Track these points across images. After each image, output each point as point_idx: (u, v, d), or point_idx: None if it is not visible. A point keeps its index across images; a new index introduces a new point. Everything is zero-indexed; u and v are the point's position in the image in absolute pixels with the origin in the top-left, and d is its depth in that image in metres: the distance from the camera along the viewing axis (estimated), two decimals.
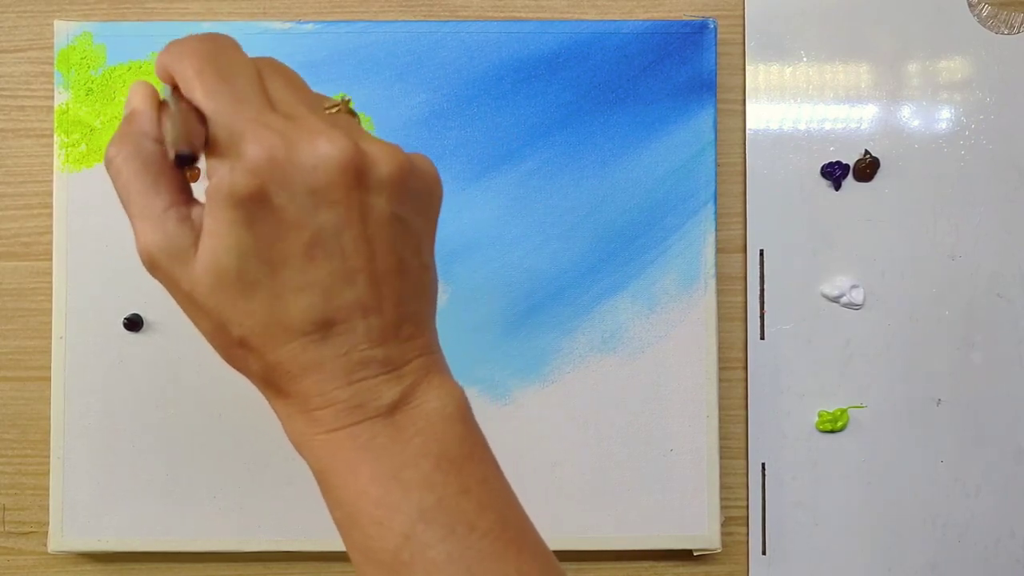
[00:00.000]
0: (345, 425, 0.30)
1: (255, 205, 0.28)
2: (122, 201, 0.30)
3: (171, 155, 0.28)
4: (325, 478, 0.31)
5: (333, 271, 0.29)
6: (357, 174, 0.29)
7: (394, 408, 0.30)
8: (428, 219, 0.32)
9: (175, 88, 0.30)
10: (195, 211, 0.30)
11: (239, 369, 0.31)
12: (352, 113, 0.32)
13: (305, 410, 0.30)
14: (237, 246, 0.29)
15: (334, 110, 0.31)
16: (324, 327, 0.29)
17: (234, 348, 0.30)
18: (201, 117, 0.29)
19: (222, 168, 0.28)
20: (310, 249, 0.29)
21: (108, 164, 0.30)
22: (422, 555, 0.29)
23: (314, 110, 0.30)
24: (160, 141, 0.30)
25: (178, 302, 0.31)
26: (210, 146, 0.29)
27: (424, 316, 0.32)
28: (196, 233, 0.29)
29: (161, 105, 0.31)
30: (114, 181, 0.30)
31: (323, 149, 0.28)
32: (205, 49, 0.30)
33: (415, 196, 0.31)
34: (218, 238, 0.29)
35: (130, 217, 0.30)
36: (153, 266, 0.30)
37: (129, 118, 0.31)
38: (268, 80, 0.30)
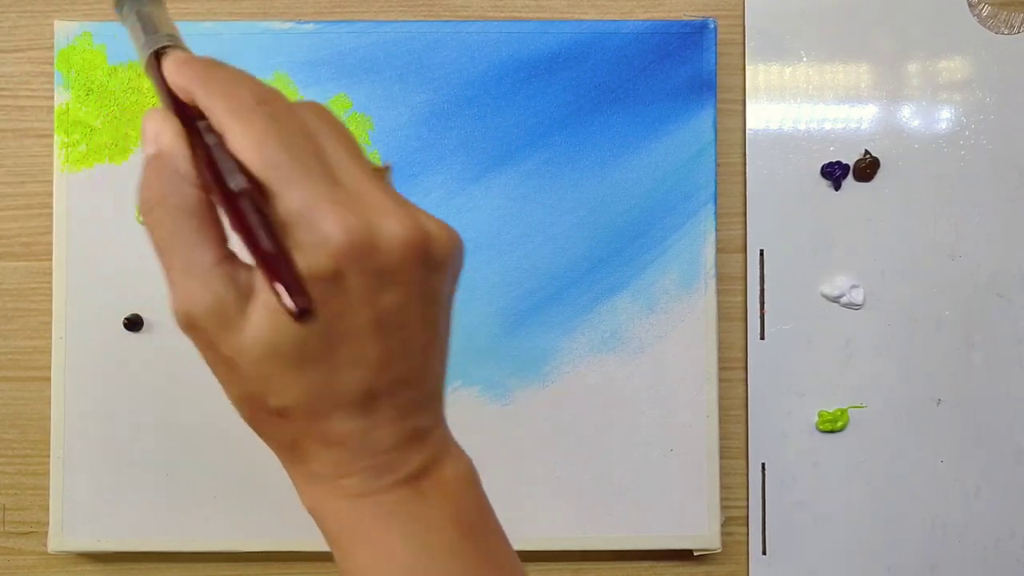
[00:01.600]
0: (372, 492, 0.30)
1: (328, 285, 0.27)
2: (159, 253, 0.28)
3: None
4: (344, 541, 0.31)
5: (389, 347, 0.29)
6: (422, 254, 0.28)
7: (419, 476, 0.30)
8: (455, 291, 0.32)
9: (203, 122, 0.28)
10: (241, 272, 0.28)
11: (260, 432, 0.31)
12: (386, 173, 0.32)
13: (332, 476, 0.30)
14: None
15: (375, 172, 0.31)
16: (369, 400, 0.29)
17: (264, 414, 0.30)
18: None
19: (303, 245, 0.27)
20: (372, 326, 0.28)
21: (146, 213, 0.28)
22: None
23: (375, 179, 0.29)
24: (199, 187, 0.28)
25: (208, 361, 0.30)
26: (286, 218, 0.27)
27: (443, 386, 0.32)
28: (243, 295, 0.28)
29: (190, 140, 0.28)
30: (152, 232, 0.28)
31: (397, 230, 0.27)
32: (264, 111, 0.27)
33: (457, 270, 0.31)
34: (282, 313, 0.27)
35: (168, 271, 0.28)
36: (190, 325, 0.28)
37: (159, 160, 0.28)
38: (322, 138, 0.29)
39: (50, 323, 0.51)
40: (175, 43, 0.35)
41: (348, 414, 0.29)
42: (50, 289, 0.51)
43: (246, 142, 0.27)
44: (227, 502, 0.51)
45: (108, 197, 0.51)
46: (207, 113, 0.28)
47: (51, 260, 0.51)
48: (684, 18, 0.53)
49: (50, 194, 0.52)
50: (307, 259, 0.26)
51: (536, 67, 0.52)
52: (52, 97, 0.51)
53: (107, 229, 0.51)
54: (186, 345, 0.53)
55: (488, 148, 0.52)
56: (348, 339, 0.28)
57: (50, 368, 0.51)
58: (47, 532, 0.51)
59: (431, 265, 0.29)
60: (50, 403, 0.51)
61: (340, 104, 0.51)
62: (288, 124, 0.28)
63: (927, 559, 0.53)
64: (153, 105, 0.51)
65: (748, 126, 0.53)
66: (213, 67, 0.29)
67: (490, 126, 0.52)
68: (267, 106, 0.27)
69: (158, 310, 0.51)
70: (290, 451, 0.30)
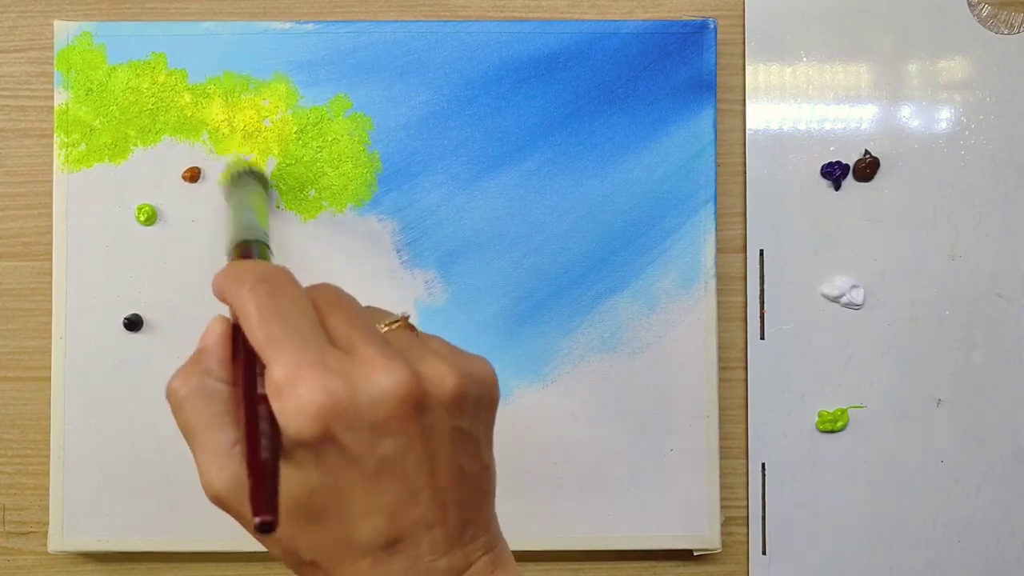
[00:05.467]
0: None
1: (321, 446, 0.29)
2: (183, 434, 0.32)
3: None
4: None
5: (397, 493, 0.30)
6: (416, 402, 0.29)
7: None
8: (486, 422, 0.32)
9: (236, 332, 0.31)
10: None
11: None
12: (411, 328, 0.33)
13: None
14: (306, 484, 0.29)
15: (394, 326, 0.32)
16: (390, 545, 0.30)
17: (304, 567, 0.31)
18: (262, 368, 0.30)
19: (287, 413, 0.28)
20: (375, 476, 0.29)
21: (170, 395, 0.32)
22: None
23: (370, 338, 0.30)
24: (226, 381, 0.31)
25: (247, 530, 0.31)
26: (273, 389, 0.29)
27: (485, 514, 0.33)
28: None
29: (234, 341, 0.32)
30: (175, 413, 0.32)
31: (382, 383, 0.29)
32: (263, 289, 0.30)
33: (474, 405, 0.31)
34: (286, 479, 0.29)
35: (192, 450, 0.31)
36: (218, 501, 0.31)
37: (199, 354, 0.32)
38: (326, 315, 0.31)
39: (50, 323, 0.51)
40: (254, 238, 0.40)
41: (372, 561, 0.30)
42: (50, 289, 0.51)
43: (250, 320, 0.30)
44: None
45: (108, 197, 0.51)
46: (230, 306, 0.31)
47: (51, 260, 0.51)
48: (684, 18, 0.53)
49: (50, 194, 0.52)
50: (293, 424, 0.28)
51: (536, 67, 0.52)
52: (52, 97, 0.51)
53: (107, 229, 0.51)
54: (187, 345, 0.53)
55: (488, 148, 0.52)
56: (355, 491, 0.29)
57: (50, 368, 0.51)
58: (47, 532, 0.51)
59: (430, 407, 0.30)
60: (50, 403, 0.51)
61: (340, 104, 0.51)
62: (287, 298, 0.30)
63: (927, 559, 0.53)
64: (153, 107, 0.51)
65: (748, 126, 0.53)
66: (231, 264, 0.33)
67: (490, 126, 0.52)
68: (267, 284, 0.30)
69: (158, 310, 0.51)
70: None
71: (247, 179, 0.49)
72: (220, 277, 0.32)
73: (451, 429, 0.30)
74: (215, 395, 0.31)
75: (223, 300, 0.32)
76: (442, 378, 0.30)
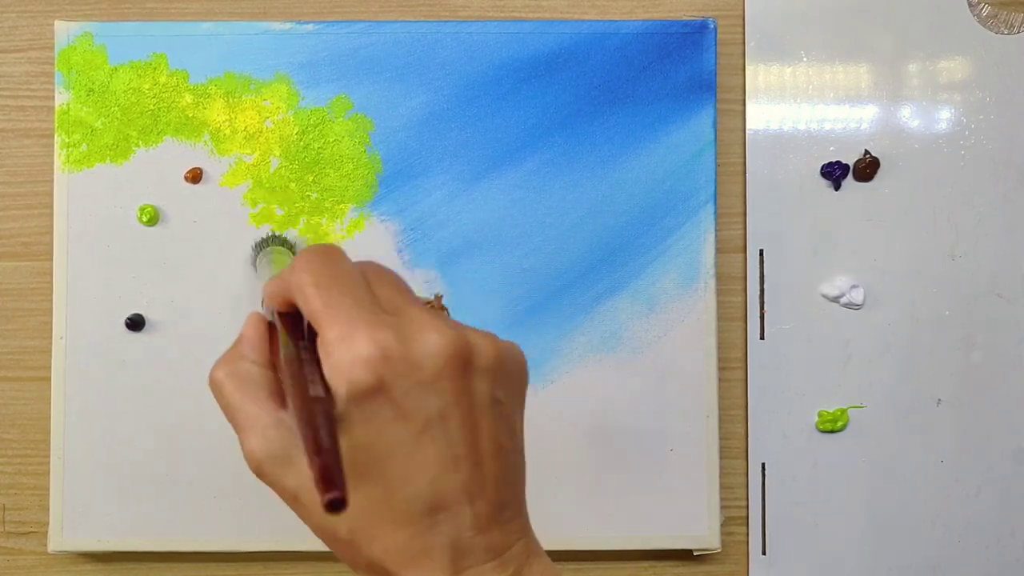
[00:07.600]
0: None
1: (372, 399, 0.29)
2: (225, 414, 0.33)
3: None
4: None
5: (440, 457, 0.30)
6: (464, 362, 0.30)
7: None
8: (519, 404, 0.33)
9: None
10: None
11: (347, 562, 0.32)
12: (443, 308, 0.34)
13: None
14: (350, 441, 0.29)
15: (427, 306, 0.34)
16: (431, 514, 0.30)
17: (341, 543, 0.31)
18: (305, 333, 0.32)
19: (341, 365, 0.29)
20: (419, 437, 0.29)
21: (211, 383, 0.33)
22: None
23: (417, 304, 0.32)
24: (260, 364, 0.33)
25: (286, 502, 0.32)
26: (327, 350, 0.30)
27: (519, 499, 0.33)
28: (297, 440, 0.31)
29: (270, 333, 0.34)
30: (216, 397, 0.33)
31: (433, 339, 0.30)
32: (318, 259, 0.32)
33: (509, 380, 0.32)
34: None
35: (235, 428, 0.32)
36: (259, 471, 0.31)
37: (235, 344, 0.34)
38: (374, 284, 0.32)
39: (50, 323, 0.51)
40: None
41: (412, 533, 0.30)
42: (50, 289, 0.51)
43: (306, 290, 0.31)
44: (227, 502, 0.51)
45: (108, 197, 0.51)
46: (292, 289, 0.32)
47: (51, 260, 0.51)
48: (684, 18, 0.53)
49: (50, 194, 0.52)
50: (346, 375, 0.29)
51: (536, 67, 0.52)
52: (52, 97, 0.51)
53: (107, 229, 0.51)
54: (187, 345, 0.54)
55: (488, 148, 0.52)
56: (398, 451, 0.29)
57: (50, 368, 0.51)
58: (47, 532, 0.51)
59: (474, 371, 0.30)
60: (50, 403, 0.51)
61: (341, 105, 0.51)
62: (340, 266, 0.32)
63: (927, 559, 0.53)
64: (154, 108, 0.51)
65: (748, 126, 0.53)
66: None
67: (490, 126, 0.52)
68: (321, 255, 0.32)
69: (159, 310, 0.51)
70: (373, 574, 0.31)
71: (274, 242, 0.50)
72: (273, 281, 0.34)
73: (491, 399, 0.31)
74: (249, 374, 0.32)
75: (279, 299, 0.33)
76: (486, 345, 0.31)
